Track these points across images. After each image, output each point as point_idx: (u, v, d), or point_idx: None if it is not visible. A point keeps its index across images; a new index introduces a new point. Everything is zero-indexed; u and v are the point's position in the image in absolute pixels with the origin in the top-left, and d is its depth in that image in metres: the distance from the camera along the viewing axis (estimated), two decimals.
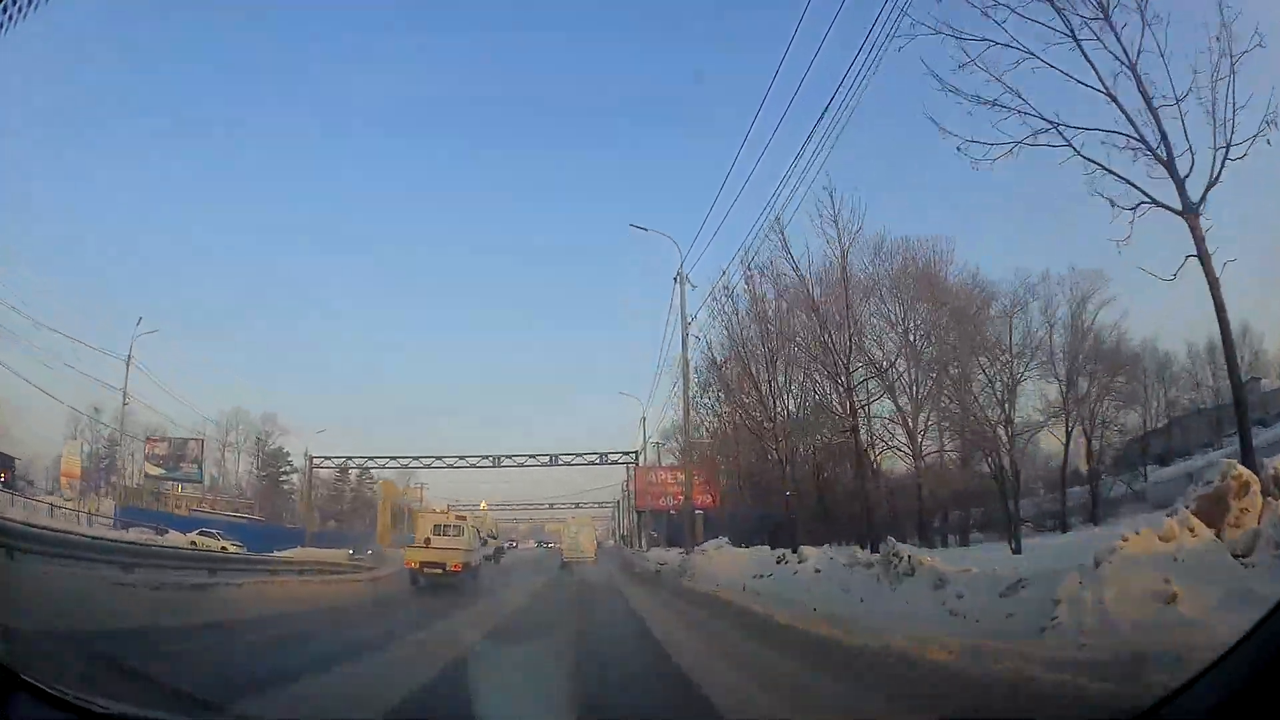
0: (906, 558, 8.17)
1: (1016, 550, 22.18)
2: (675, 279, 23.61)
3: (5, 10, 3.14)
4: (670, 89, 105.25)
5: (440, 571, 19.81)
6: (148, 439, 52.60)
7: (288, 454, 64.46)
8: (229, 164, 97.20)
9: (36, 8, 3.41)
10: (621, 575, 29.24)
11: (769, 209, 19.45)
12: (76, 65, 69.70)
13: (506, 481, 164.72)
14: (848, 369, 19.18)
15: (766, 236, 21.36)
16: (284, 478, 66.84)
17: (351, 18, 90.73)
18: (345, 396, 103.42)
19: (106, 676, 5.06)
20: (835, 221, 21.99)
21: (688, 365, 24.22)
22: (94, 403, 50.72)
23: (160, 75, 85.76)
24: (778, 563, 13.93)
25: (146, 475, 53.84)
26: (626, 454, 50.35)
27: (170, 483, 55.60)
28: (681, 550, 33.80)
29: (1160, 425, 39.98)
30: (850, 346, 19.11)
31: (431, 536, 21.96)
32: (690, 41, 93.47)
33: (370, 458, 53.72)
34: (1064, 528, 27.47)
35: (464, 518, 25.59)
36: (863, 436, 28.64)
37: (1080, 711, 3.93)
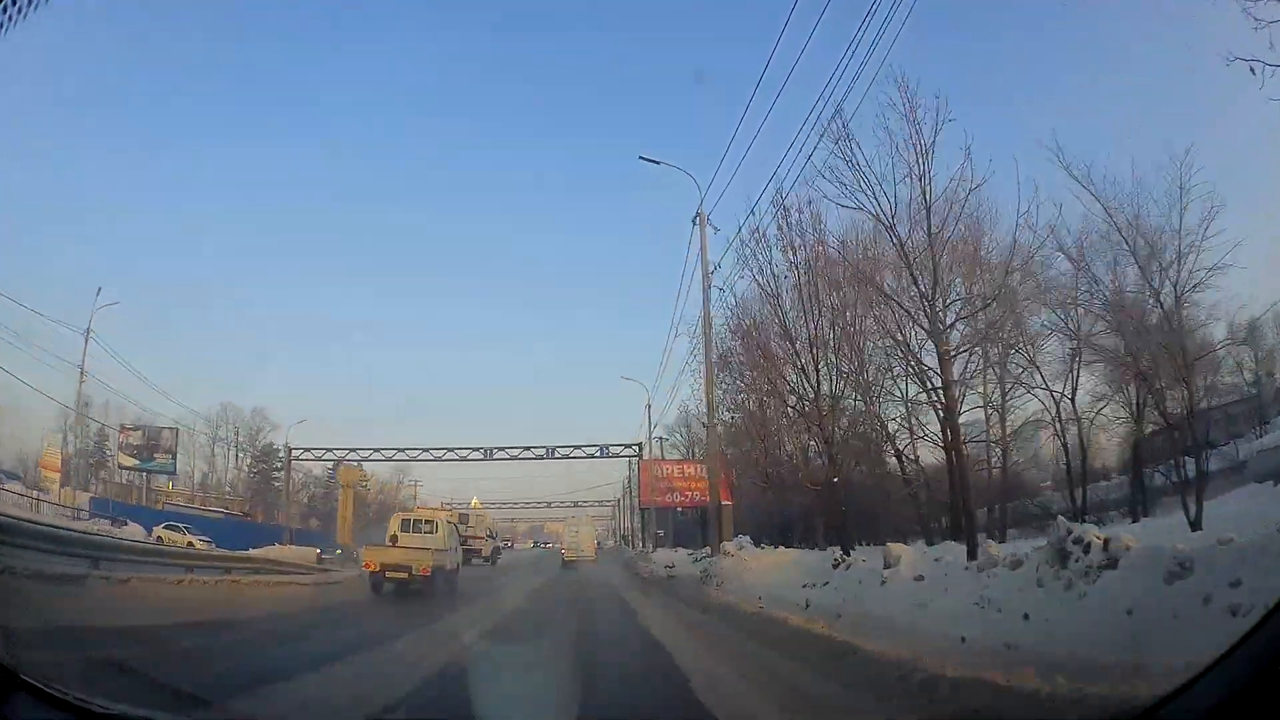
0: (1103, 542, 5.04)
1: (1196, 525, 17.48)
2: (694, 220, 20.04)
3: (5, 10, 3.11)
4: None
5: (406, 575, 16.30)
6: (121, 427, 49.76)
7: (278, 450, 62.11)
8: (226, 162, 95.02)
9: (36, 8, 3.36)
10: (626, 581, 24.92)
11: (823, 104, 14.02)
12: (59, 53, 67.03)
13: (506, 478, 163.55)
14: (931, 304, 14.47)
15: (821, 139, 15.57)
16: (276, 475, 64.52)
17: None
18: (339, 393, 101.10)
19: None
20: (911, 117, 14.83)
21: (709, 325, 20.41)
22: (86, 399, 47.95)
23: (148, 68, 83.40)
24: (834, 566, 11.01)
25: (121, 466, 51.02)
26: (629, 446, 47.19)
27: (157, 477, 53.26)
28: (692, 552, 30.46)
29: (1200, 409, 36.89)
30: (936, 276, 14.33)
31: (399, 534, 18.92)
32: None
33: (352, 449, 50.60)
34: (1143, 513, 24.19)
35: (464, 517, 22.44)
36: (886, 426, 25.19)
37: (1080, 711, 3.66)
